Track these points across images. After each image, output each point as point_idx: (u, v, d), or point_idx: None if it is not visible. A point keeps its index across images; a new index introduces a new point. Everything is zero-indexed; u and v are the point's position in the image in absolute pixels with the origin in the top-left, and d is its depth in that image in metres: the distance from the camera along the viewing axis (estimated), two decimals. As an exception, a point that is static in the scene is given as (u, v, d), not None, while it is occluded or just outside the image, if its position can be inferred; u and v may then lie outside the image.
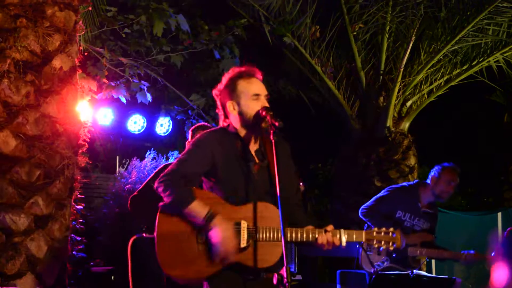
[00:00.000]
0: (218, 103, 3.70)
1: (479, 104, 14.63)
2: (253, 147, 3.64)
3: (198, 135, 3.75)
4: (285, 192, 3.29)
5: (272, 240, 3.39)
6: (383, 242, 3.47)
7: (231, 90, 3.59)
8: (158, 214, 3.49)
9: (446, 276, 5.07)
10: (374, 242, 3.47)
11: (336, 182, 11.13)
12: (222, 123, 3.71)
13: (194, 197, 3.42)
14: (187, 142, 5.40)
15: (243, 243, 3.37)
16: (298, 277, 8.55)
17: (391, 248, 3.47)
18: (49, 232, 5.66)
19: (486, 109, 14.93)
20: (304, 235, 3.44)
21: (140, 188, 5.54)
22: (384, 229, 3.50)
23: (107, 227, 8.91)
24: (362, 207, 6.08)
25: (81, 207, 7.09)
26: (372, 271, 5.72)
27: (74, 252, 7.38)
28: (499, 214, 11.49)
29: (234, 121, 3.62)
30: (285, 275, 2.99)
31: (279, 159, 3.35)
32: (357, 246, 6.04)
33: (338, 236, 3.44)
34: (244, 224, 3.39)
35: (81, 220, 7.28)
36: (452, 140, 15.57)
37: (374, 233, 3.48)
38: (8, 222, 5.42)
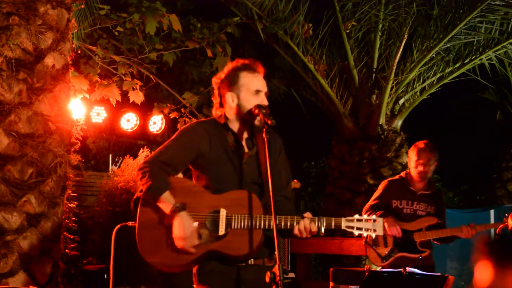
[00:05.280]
0: (216, 91, 3.62)
1: (472, 101, 14.68)
2: (244, 137, 3.58)
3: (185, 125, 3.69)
4: (273, 183, 3.21)
5: (247, 228, 3.32)
6: (363, 229, 3.36)
7: (233, 81, 3.52)
8: (139, 204, 3.47)
9: (439, 274, 5.07)
10: (354, 229, 3.36)
11: (329, 180, 11.15)
12: (215, 111, 3.64)
13: (167, 187, 3.38)
14: None
15: (221, 231, 3.33)
16: (291, 274, 8.56)
17: (373, 236, 3.40)
18: (41, 231, 5.64)
19: (478, 106, 14.97)
20: (282, 223, 3.33)
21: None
22: (365, 216, 3.41)
23: (100, 225, 8.88)
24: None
25: (74, 205, 7.07)
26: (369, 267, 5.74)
27: (66, 250, 7.36)
28: (492, 212, 11.52)
29: (229, 112, 3.56)
30: (277, 273, 2.97)
31: (269, 152, 3.29)
32: (364, 244, 6.06)
33: (316, 223, 3.32)
34: (223, 212, 3.35)
35: (73, 218, 7.26)
36: (445, 138, 15.62)
37: (354, 221, 3.37)
38: (1, 220, 5.40)
